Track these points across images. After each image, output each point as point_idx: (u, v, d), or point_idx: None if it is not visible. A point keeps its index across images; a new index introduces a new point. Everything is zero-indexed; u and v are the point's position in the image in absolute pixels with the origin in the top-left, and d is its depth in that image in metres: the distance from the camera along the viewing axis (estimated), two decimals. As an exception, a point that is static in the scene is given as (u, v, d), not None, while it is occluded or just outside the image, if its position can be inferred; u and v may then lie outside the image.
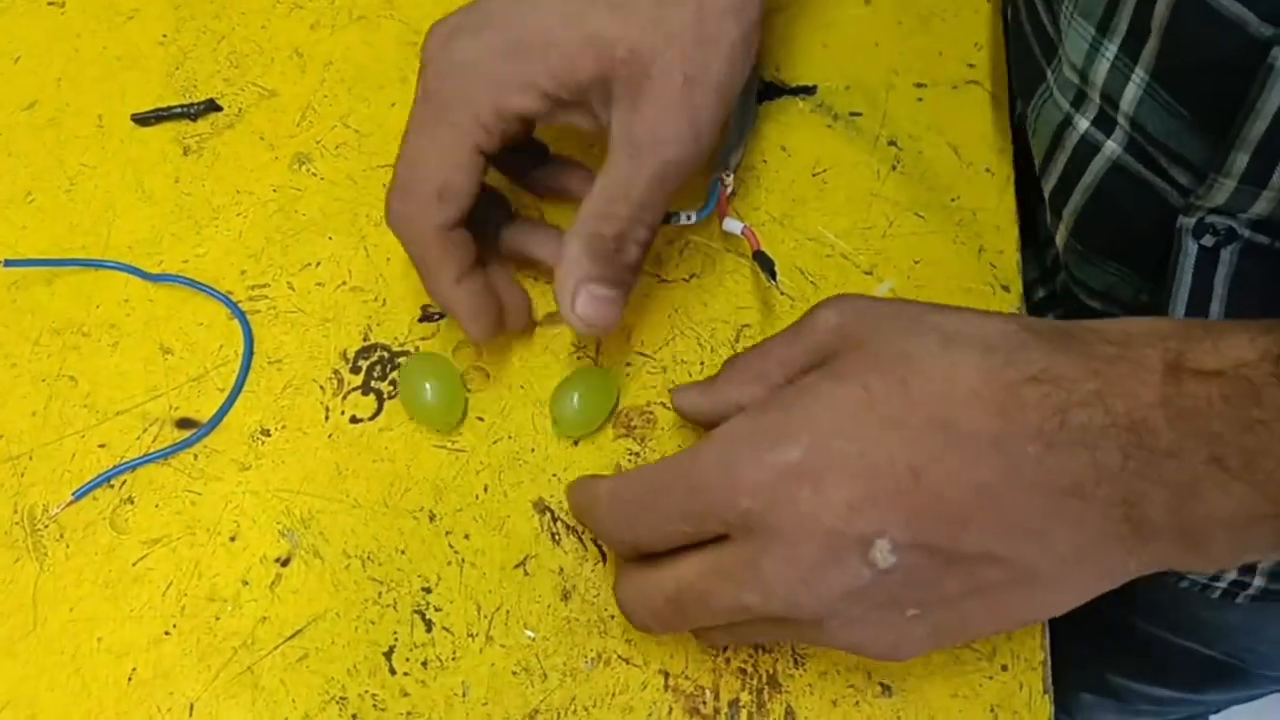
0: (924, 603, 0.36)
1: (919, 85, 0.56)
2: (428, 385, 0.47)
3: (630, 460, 0.48)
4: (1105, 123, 0.47)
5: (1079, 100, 0.48)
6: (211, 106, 0.56)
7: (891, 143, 0.55)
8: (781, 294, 0.51)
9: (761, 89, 0.56)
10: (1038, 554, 0.35)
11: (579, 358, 0.50)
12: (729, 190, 0.51)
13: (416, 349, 0.50)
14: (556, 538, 0.46)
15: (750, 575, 0.36)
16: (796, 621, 0.37)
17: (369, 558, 0.46)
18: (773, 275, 0.48)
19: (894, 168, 0.54)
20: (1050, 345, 0.35)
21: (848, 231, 0.52)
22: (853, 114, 0.55)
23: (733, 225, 0.50)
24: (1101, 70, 0.46)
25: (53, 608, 0.45)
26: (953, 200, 0.53)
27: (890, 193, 0.53)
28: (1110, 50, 0.45)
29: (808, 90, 0.56)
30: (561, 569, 0.46)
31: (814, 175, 0.54)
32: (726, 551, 0.37)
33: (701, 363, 0.50)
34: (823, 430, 0.36)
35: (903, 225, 0.53)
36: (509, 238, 0.50)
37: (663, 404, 0.49)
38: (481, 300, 0.46)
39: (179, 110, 0.56)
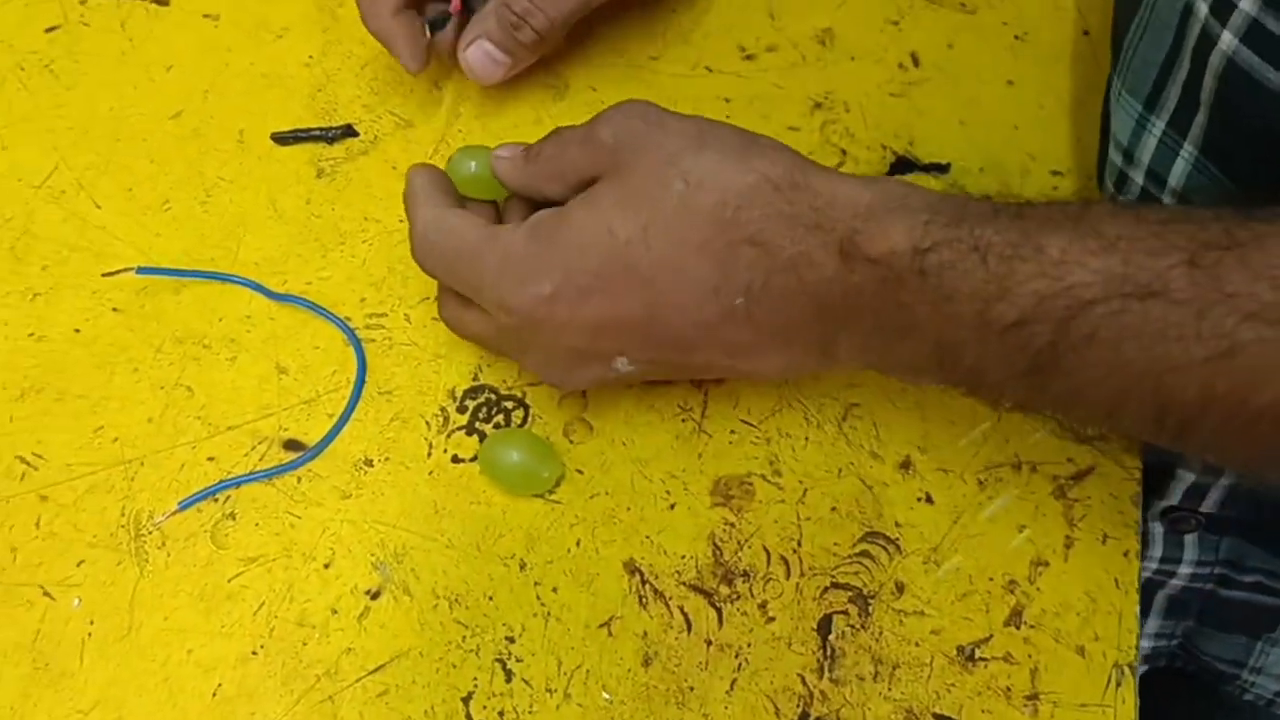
0: (658, 376, 0.47)
1: (1055, 173, 0.55)
2: (512, 455, 0.48)
3: (725, 530, 0.47)
4: (1149, 201, 0.48)
5: (1121, 181, 0.49)
6: (349, 132, 0.57)
7: (1022, 230, 0.54)
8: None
9: (894, 163, 0.55)
10: (753, 365, 0.44)
11: (683, 419, 0.50)
12: None
13: (524, 393, 0.50)
14: (644, 601, 0.46)
15: (523, 356, 0.47)
16: None
17: (457, 600, 0.46)
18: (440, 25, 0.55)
19: (1022, 256, 0.53)
20: (770, 206, 0.40)
21: (968, 317, 0.52)
22: (985, 196, 0.54)
23: None
24: (1149, 147, 0.47)
25: (148, 614, 0.46)
26: (1080, 296, 0.52)
27: (1016, 282, 0.52)
28: (1158, 127, 0.46)
29: (941, 168, 0.55)
30: (645, 633, 0.46)
31: (939, 256, 0.53)
32: (505, 329, 0.45)
33: (806, 438, 0.49)
34: (571, 268, 0.42)
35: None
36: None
37: (762, 476, 0.49)
38: (413, 33, 0.54)
39: (317, 133, 0.57)
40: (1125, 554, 0.47)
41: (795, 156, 0.42)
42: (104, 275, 0.53)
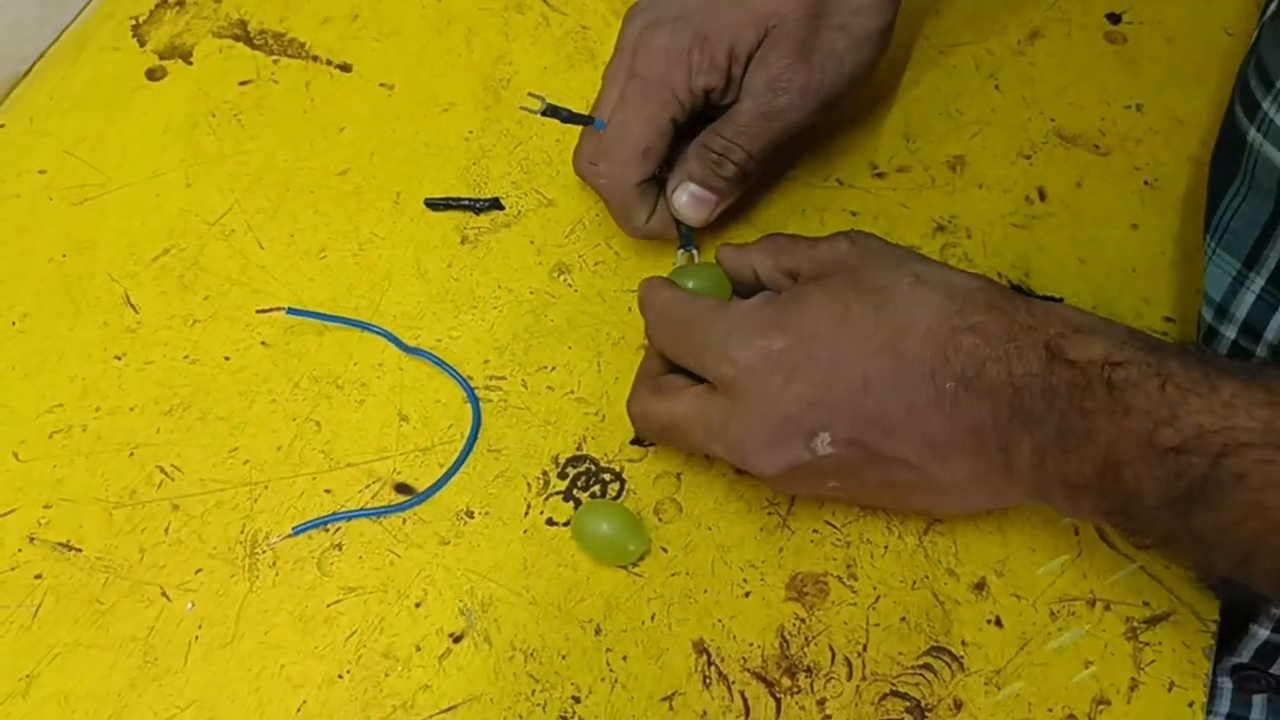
0: (845, 482, 0.46)
1: (1168, 319, 0.56)
2: (603, 526, 0.51)
3: (795, 624, 0.49)
4: (1240, 357, 0.50)
5: (1210, 337, 0.51)
6: (495, 204, 0.61)
7: (1127, 371, 0.55)
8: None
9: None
10: (941, 470, 0.44)
11: (769, 513, 0.52)
12: None
13: (622, 468, 0.53)
14: (708, 681, 0.48)
15: (719, 430, 0.46)
16: None
17: (532, 654, 0.49)
18: (689, 243, 0.57)
19: (1123, 397, 0.54)
20: (992, 305, 0.44)
21: (1061, 450, 0.53)
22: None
23: None
24: (1245, 303, 0.49)
25: (251, 627, 0.50)
26: (1177, 443, 0.53)
27: (1114, 421, 0.53)
28: (1257, 283, 0.49)
29: (1054, 301, 0.57)
30: (705, 713, 0.47)
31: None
32: (711, 401, 0.47)
33: (886, 546, 0.51)
34: (804, 333, 0.45)
35: (1119, 456, 0.52)
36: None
37: (838, 577, 0.50)
38: (665, 228, 0.57)
39: (467, 202, 0.61)
40: (1190, 705, 0.47)
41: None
42: (258, 311, 0.57)
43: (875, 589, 0.50)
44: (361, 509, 0.52)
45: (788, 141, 0.56)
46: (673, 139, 0.55)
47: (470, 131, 0.64)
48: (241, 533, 0.52)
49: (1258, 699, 0.54)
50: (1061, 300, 0.57)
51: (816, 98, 0.54)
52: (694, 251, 0.57)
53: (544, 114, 0.54)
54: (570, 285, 0.59)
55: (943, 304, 0.44)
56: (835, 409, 0.44)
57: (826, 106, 0.55)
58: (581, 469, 0.53)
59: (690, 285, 0.52)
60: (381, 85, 0.66)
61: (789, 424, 0.45)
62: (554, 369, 0.56)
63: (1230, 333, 0.49)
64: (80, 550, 0.52)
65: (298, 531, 0.52)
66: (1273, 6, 0.50)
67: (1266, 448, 0.37)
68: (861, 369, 0.44)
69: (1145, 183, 0.60)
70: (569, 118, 0.55)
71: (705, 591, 0.50)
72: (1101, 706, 0.47)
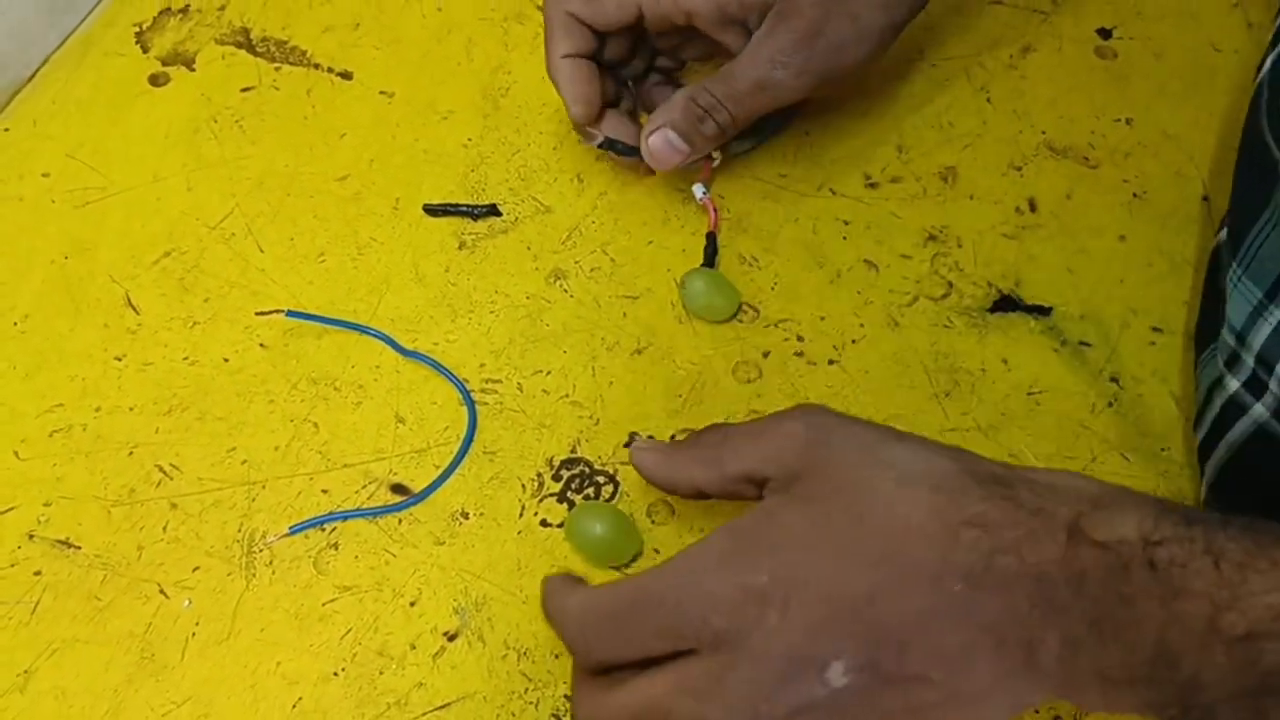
0: (867, 717, 0.39)
1: (1155, 329, 0.57)
2: (595, 527, 0.51)
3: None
4: (1256, 386, 0.48)
5: (1233, 361, 0.50)
6: (493, 211, 0.62)
7: (1114, 379, 0.55)
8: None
9: (997, 300, 0.58)
10: (963, 679, 0.38)
11: (761, 516, 0.52)
12: (715, 163, 0.61)
13: (615, 470, 0.54)
14: (698, 681, 0.49)
15: (716, 690, 0.39)
16: None
17: (525, 653, 0.50)
18: (711, 262, 0.59)
19: (1110, 404, 0.55)
20: (987, 491, 0.39)
21: (1050, 457, 0.53)
22: (1082, 343, 0.56)
23: (699, 191, 0.61)
24: (1262, 334, 0.48)
25: (247, 624, 0.51)
26: (1162, 450, 0.53)
27: (1101, 428, 0.54)
28: (1275, 315, 0.47)
29: (1043, 310, 0.58)
30: (696, 712, 0.48)
31: (1029, 394, 0.55)
32: (694, 666, 0.39)
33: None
34: (786, 558, 0.39)
35: (1107, 464, 0.53)
36: (648, 89, 0.64)
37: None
38: (581, 82, 0.58)
39: (464, 209, 0.62)
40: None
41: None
42: (257, 314, 0.58)
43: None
44: (358, 509, 0.53)
45: (775, 113, 0.58)
46: (630, 24, 0.58)
47: (469, 139, 0.65)
48: (239, 531, 0.53)
49: None
50: (1050, 310, 0.57)
51: (813, 80, 0.56)
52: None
53: (600, 146, 0.59)
54: (566, 290, 0.59)
55: (932, 498, 0.39)
56: (841, 633, 0.38)
57: (819, 89, 0.57)
58: (575, 471, 0.54)
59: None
60: (382, 93, 0.67)
61: (796, 658, 0.38)
62: (549, 373, 0.57)
63: (1249, 360, 0.49)
64: (79, 547, 0.53)
65: (294, 531, 0.52)
66: None
67: None
68: (861, 585, 0.38)
69: (1134, 195, 0.61)
70: (624, 150, 0.59)
71: (697, 593, 0.51)
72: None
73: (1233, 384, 0.50)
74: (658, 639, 0.40)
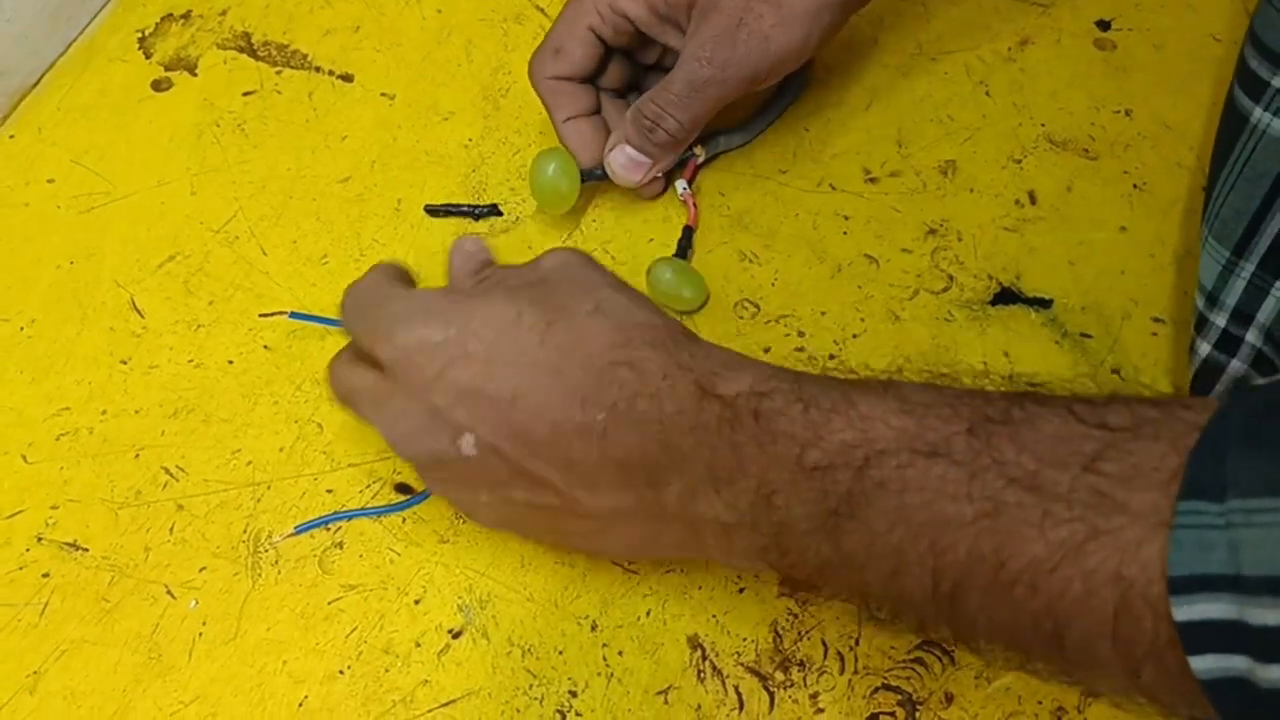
0: (495, 494, 0.45)
1: (1157, 320, 0.57)
2: (550, 167, 0.58)
3: (788, 620, 0.50)
4: (1229, 344, 0.50)
5: (1201, 325, 0.51)
6: (494, 210, 0.62)
7: (1115, 370, 0.55)
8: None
9: (998, 293, 0.58)
10: (586, 497, 0.43)
11: (763, 511, 0.53)
12: (699, 160, 0.62)
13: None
14: (702, 675, 0.49)
15: (381, 409, 0.46)
16: None
17: (529, 650, 0.50)
18: (683, 255, 0.60)
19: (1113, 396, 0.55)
20: (656, 343, 0.43)
21: (1051, 448, 0.53)
22: (1083, 334, 0.57)
23: (680, 186, 0.62)
24: (1236, 290, 0.50)
25: (253, 624, 0.51)
26: (1164, 441, 0.53)
27: (1102, 420, 0.54)
28: (1247, 270, 0.49)
29: (1044, 303, 0.58)
30: (699, 706, 0.48)
31: (1031, 386, 0.55)
32: (380, 381, 0.46)
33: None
34: (469, 329, 0.44)
35: (1108, 454, 0.53)
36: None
37: (831, 573, 0.51)
38: (584, 138, 0.60)
39: (466, 209, 0.62)
40: (1177, 697, 0.48)
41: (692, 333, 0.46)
42: (260, 315, 0.58)
43: (867, 585, 0.51)
44: (362, 508, 0.53)
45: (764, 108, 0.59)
46: (599, 54, 0.59)
47: (470, 140, 0.65)
48: (244, 532, 0.53)
49: None
50: (1050, 302, 0.58)
51: (739, 73, 0.56)
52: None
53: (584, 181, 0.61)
54: (568, 289, 0.60)
55: (610, 334, 0.43)
56: (482, 411, 0.43)
57: (758, 80, 0.57)
58: (578, 468, 0.54)
59: (667, 277, 0.57)
60: (383, 95, 0.68)
61: (436, 418, 0.44)
62: (551, 371, 0.57)
63: (1220, 320, 0.50)
64: (87, 550, 0.53)
65: (300, 530, 0.53)
66: None
67: (903, 452, 0.37)
68: (513, 382, 0.43)
69: (1134, 186, 0.61)
70: (598, 176, 0.60)
71: (700, 588, 0.51)
72: (1090, 700, 0.48)
73: (1204, 348, 0.51)
74: (365, 340, 0.47)
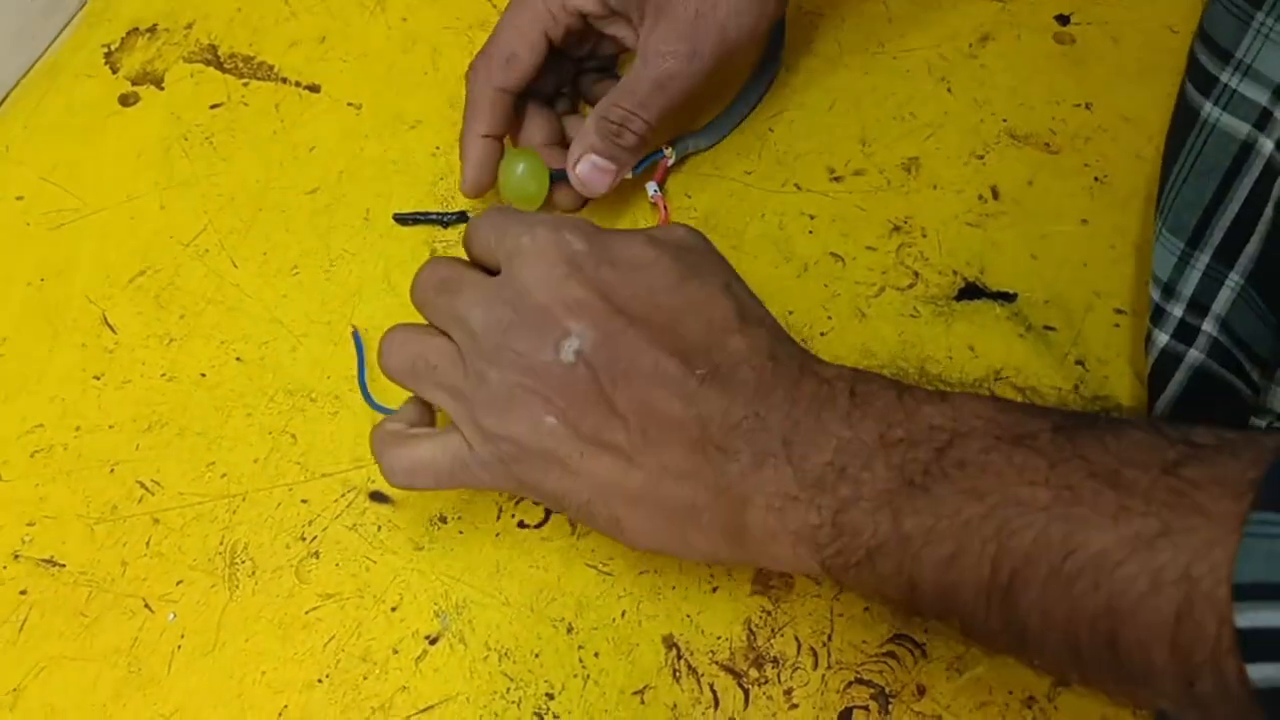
0: (562, 418, 0.43)
1: (1119, 311, 0.58)
2: (519, 168, 0.58)
3: (761, 617, 0.51)
4: (1186, 333, 0.51)
5: (1157, 315, 0.53)
6: (463, 218, 0.63)
7: (1079, 362, 0.56)
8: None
9: (962, 288, 0.59)
10: (650, 447, 0.43)
11: (735, 510, 0.53)
12: (669, 161, 0.62)
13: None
14: (678, 675, 0.49)
15: (476, 295, 0.45)
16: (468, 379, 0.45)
17: (506, 654, 0.50)
18: None
19: (1076, 388, 0.55)
20: (773, 331, 0.45)
21: (1017, 441, 0.54)
22: (1047, 327, 0.57)
23: (651, 188, 0.62)
24: (1191, 281, 0.51)
25: (232, 635, 0.51)
26: (1128, 430, 0.54)
27: (1067, 411, 0.55)
28: (1202, 260, 0.51)
29: (1007, 297, 0.58)
30: (675, 705, 0.49)
31: (996, 380, 0.56)
32: (484, 276, 0.46)
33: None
34: (610, 253, 0.45)
35: (1073, 445, 0.54)
36: (587, 84, 0.66)
37: (803, 570, 0.52)
38: (487, 163, 0.59)
39: (435, 217, 0.63)
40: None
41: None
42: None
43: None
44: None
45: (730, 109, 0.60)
46: (544, 61, 0.59)
47: (437, 148, 0.66)
48: (221, 544, 0.54)
49: None
50: (1015, 296, 0.58)
51: (702, 65, 0.57)
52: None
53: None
54: (537, 294, 0.60)
55: (734, 311, 0.44)
56: (596, 323, 0.43)
57: (719, 70, 0.58)
58: (551, 472, 0.55)
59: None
60: (349, 105, 0.68)
61: (547, 316, 0.43)
62: (523, 376, 0.57)
63: (1177, 310, 0.51)
64: (64, 565, 0.53)
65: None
66: None
67: (986, 437, 0.38)
68: (636, 310, 0.43)
69: (1095, 179, 0.62)
70: (556, 175, 0.60)
71: (673, 588, 0.51)
72: (1060, 689, 0.49)
73: (1162, 338, 0.52)
74: (488, 243, 0.47)
